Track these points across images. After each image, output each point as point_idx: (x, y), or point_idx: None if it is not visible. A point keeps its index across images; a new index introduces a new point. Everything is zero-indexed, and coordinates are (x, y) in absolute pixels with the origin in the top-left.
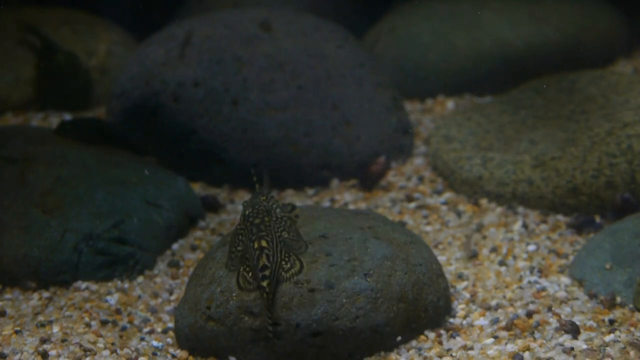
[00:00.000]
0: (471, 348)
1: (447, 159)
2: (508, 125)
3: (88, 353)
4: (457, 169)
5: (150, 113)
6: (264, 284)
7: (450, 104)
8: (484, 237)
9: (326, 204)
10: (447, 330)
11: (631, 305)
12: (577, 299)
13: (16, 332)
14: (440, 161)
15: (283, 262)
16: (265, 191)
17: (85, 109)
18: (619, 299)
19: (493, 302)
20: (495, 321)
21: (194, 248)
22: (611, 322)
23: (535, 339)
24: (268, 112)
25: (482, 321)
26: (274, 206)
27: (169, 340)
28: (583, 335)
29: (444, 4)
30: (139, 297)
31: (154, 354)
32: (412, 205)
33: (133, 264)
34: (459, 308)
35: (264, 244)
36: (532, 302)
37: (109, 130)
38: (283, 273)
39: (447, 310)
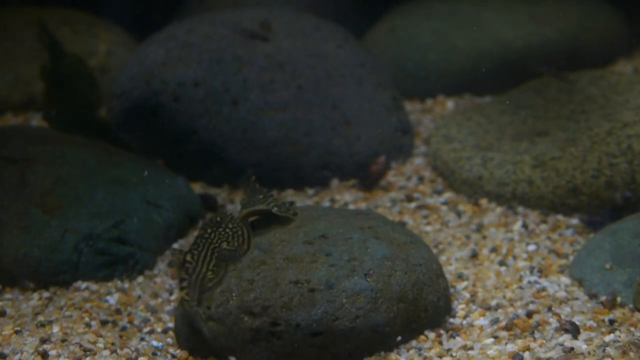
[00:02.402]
0: (471, 348)
1: (447, 159)
2: (508, 125)
3: (88, 353)
4: (457, 169)
5: (150, 113)
6: (183, 293)
7: (450, 104)
8: (484, 237)
9: (326, 204)
10: (447, 330)
11: (631, 305)
12: (577, 299)
13: (16, 332)
14: (440, 161)
15: (209, 273)
16: (255, 189)
17: (93, 111)
18: (619, 299)
19: (493, 302)
20: (495, 321)
21: None
22: (611, 322)
23: (535, 339)
24: (268, 112)
25: (482, 321)
26: (272, 204)
27: (169, 340)
28: (583, 335)
29: (444, 4)
30: (139, 297)
31: (154, 354)
32: (412, 205)
33: (133, 264)
34: (459, 308)
35: (188, 257)
36: (532, 302)
37: (93, 122)
38: (208, 284)
39: (447, 310)
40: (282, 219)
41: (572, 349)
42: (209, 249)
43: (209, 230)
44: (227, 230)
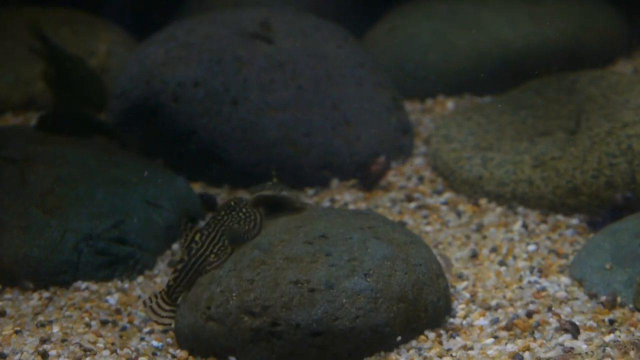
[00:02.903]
0: (471, 348)
1: (447, 159)
2: (508, 125)
3: (88, 353)
4: (457, 169)
5: (150, 113)
6: (171, 278)
7: (450, 104)
8: (484, 237)
9: (326, 204)
10: (447, 330)
11: (631, 305)
12: (577, 299)
13: (16, 332)
14: (440, 161)
15: (212, 256)
16: (278, 185)
17: (100, 111)
18: (619, 299)
19: (493, 302)
20: (495, 321)
21: None
22: (611, 322)
23: (535, 339)
24: (268, 112)
25: (482, 321)
26: (279, 188)
27: (169, 340)
28: (583, 335)
29: (444, 4)
30: (139, 297)
31: (154, 354)
32: (412, 205)
33: (133, 264)
34: (459, 308)
35: (197, 237)
36: (532, 302)
37: (89, 121)
38: (207, 267)
39: (447, 310)
40: (292, 209)
41: (572, 349)
42: (219, 230)
43: (222, 213)
44: (240, 214)
